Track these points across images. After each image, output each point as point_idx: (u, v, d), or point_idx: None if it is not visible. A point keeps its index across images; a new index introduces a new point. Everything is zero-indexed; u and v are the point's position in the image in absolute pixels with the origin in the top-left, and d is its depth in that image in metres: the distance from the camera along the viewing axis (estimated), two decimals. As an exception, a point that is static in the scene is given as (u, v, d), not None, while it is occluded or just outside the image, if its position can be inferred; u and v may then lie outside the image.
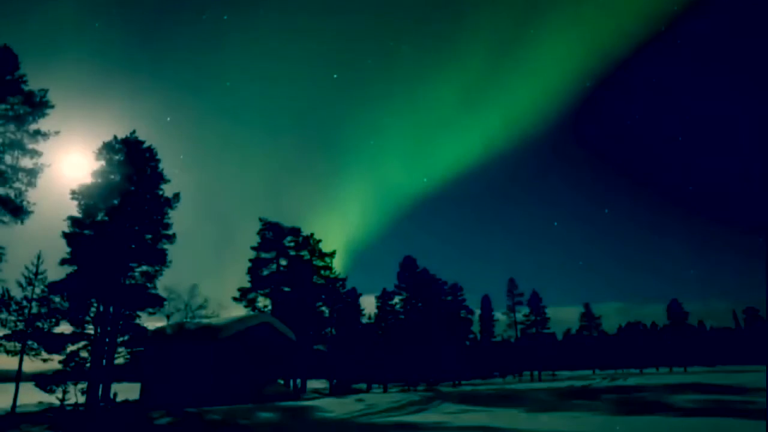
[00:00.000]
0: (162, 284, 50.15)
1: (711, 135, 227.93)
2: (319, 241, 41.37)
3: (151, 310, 26.65)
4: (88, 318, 24.54)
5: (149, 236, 27.14)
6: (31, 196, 21.69)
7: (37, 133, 21.46)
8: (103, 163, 27.00)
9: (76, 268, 24.82)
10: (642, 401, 17.44)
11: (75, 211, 25.85)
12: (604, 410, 15.46)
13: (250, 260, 39.03)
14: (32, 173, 21.31)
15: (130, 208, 26.54)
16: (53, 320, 23.13)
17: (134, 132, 28.15)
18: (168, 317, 33.78)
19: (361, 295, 46.90)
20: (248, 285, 38.44)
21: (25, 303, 22.18)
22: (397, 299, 50.17)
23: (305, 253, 40.26)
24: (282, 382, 32.83)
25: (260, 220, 39.98)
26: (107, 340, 24.73)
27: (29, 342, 21.96)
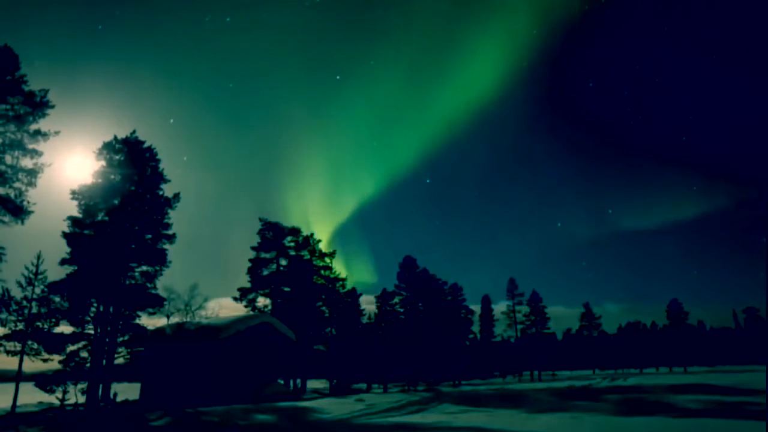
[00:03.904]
0: (162, 284, 50.27)
1: (713, 135, 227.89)
2: (319, 241, 41.42)
3: (151, 310, 26.69)
4: (88, 318, 24.56)
5: (149, 236, 27.15)
6: (31, 196, 21.72)
7: (38, 133, 21.47)
8: (103, 163, 27.02)
9: (76, 268, 24.84)
10: (642, 402, 17.44)
11: (75, 211, 25.90)
12: (604, 411, 15.45)
13: (250, 260, 39.02)
14: (32, 173, 21.32)
15: (130, 208, 26.55)
16: (53, 320, 23.16)
17: (134, 132, 28.18)
18: (168, 317, 33.83)
19: (361, 294, 46.93)
20: (248, 285, 38.43)
21: (25, 303, 22.22)
22: (397, 299, 50.15)
23: (305, 253, 40.23)
24: (282, 382, 32.84)
25: (260, 220, 40.00)
26: (107, 340, 24.74)
27: (29, 342, 21.99)
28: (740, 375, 34.01)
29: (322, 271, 40.96)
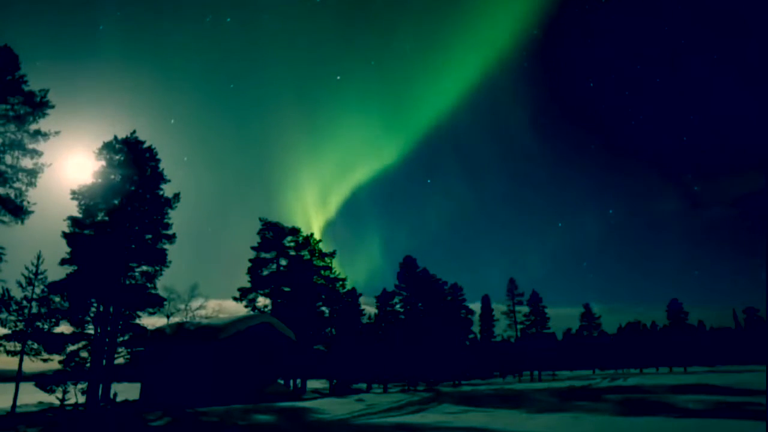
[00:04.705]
0: (162, 284, 50.29)
1: (714, 135, 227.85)
2: (319, 241, 41.40)
3: (151, 310, 26.69)
4: (88, 318, 24.56)
5: (149, 236, 27.16)
6: (31, 196, 21.75)
7: (38, 133, 21.47)
8: (103, 163, 27.03)
9: (76, 268, 24.84)
10: (642, 402, 17.44)
11: (75, 211, 25.91)
12: (604, 411, 15.45)
13: (250, 260, 39.02)
14: (32, 173, 21.32)
15: (130, 208, 26.55)
16: (53, 320, 23.14)
17: (134, 132, 28.19)
18: (168, 317, 33.82)
19: (361, 295, 46.91)
20: (248, 285, 38.44)
21: (25, 303, 22.20)
22: (397, 299, 50.12)
23: (305, 253, 40.23)
24: (282, 382, 32.83)
25: (260, 220, 40.02)
26: (107, 340, 24.74)
27: (29, 342, 21.97)
28: (740, 375, 34.00)
29: (322, 271, 40.95)
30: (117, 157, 27.20)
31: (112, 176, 26.84)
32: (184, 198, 28.43)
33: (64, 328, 23.95)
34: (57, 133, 21.95)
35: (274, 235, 39.64)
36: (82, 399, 23.90)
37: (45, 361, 22.70)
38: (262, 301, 38.34)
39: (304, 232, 41.03)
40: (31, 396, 27.64)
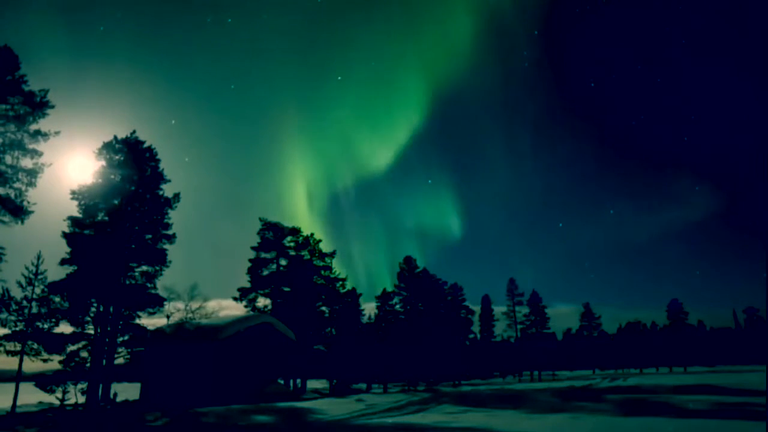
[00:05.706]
0: (162, 284, 50.32)
1: (715, 135, 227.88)
2: (319, 241, 41.39)
3: (151, 310, 26.68)
4: (88, 318, 24.56)
5: (149, 236, 27.16)
6: (31, 196, 21.75)
7: (38, 133, 21.47)
8: (103, 163, 27.02)
9: (76, 268, 24.84)
10: (642, 402, 17.44)
11: (75, 211, 25.90)
12: (604, 411, 15.46)
13: (250, 260, 39.02)
14: (32, 173, 21.33)
15: (130, 208, 26.55)
16: (53, 320, 23.15)
17: (134, 132, 28.18)
18: (168, 317, 33.84)
19: (361, 295, 46.91)
20: (248, 285, 38.43)
21: (25, 303, 22.20)
22: (396, 299, 50.11)
23: (305, 253, 40.23)
24: (282, 382, 32.83)
25: (260, 220, 40.01)
26: (107, 340, 24.74)
27: (29, 342, 21.97)
28: (740, 375, 34.02)
29: (322, 271, 40.94)
30: (117, 157, 27.20)
31: (112, 176, 26.83)
32: (184, 198, 28.47)
33: (64, 328, 23.97)
34: (57, 133, 21.96)
35: (274, 235, 39.64)
36: (82, 399, 23.90)
37: (45, 361, 22.70)
38: (262, 301, 38.37)
39: (304, 232, 41.08)
40: (31, 396, 27.64)
